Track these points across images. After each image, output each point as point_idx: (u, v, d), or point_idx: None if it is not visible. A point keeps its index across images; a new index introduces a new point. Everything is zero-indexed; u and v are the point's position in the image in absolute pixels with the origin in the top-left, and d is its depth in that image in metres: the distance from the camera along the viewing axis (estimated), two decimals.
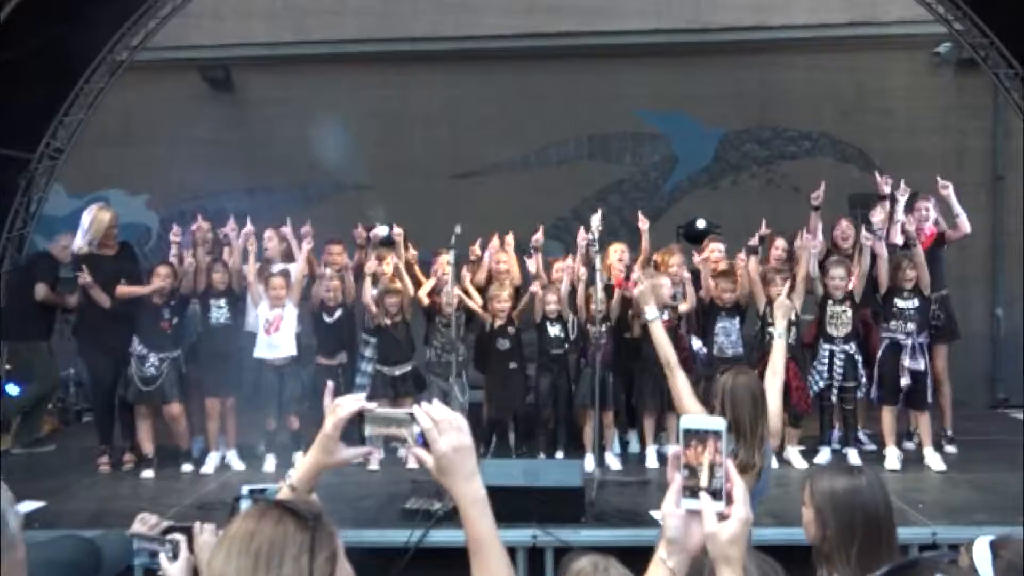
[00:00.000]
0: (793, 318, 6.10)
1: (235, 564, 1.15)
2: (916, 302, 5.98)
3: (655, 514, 3.81)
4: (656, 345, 3.28)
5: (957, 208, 6.34)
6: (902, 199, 6.38)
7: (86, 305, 6.28)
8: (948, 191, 6.38)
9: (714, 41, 9.78)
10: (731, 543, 1.20)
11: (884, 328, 6.05)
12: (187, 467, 6.15)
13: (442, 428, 1.38)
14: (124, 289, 6.13)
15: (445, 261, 6.35)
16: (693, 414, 1.24)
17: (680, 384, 3.15)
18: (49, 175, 7.87)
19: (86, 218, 6.20)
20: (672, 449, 1.24)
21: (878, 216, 6.44)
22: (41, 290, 6.77)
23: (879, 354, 6.05)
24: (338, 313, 6.33)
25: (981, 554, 2.19)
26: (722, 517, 1.20)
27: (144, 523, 2.07)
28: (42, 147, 7.66)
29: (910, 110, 9.77)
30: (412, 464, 5.93)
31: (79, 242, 6.16)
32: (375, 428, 1.44)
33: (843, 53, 9.78)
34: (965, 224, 6.32)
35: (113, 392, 6.29)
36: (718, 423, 1.24)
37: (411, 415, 1.41)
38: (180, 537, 1.99)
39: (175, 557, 1.96)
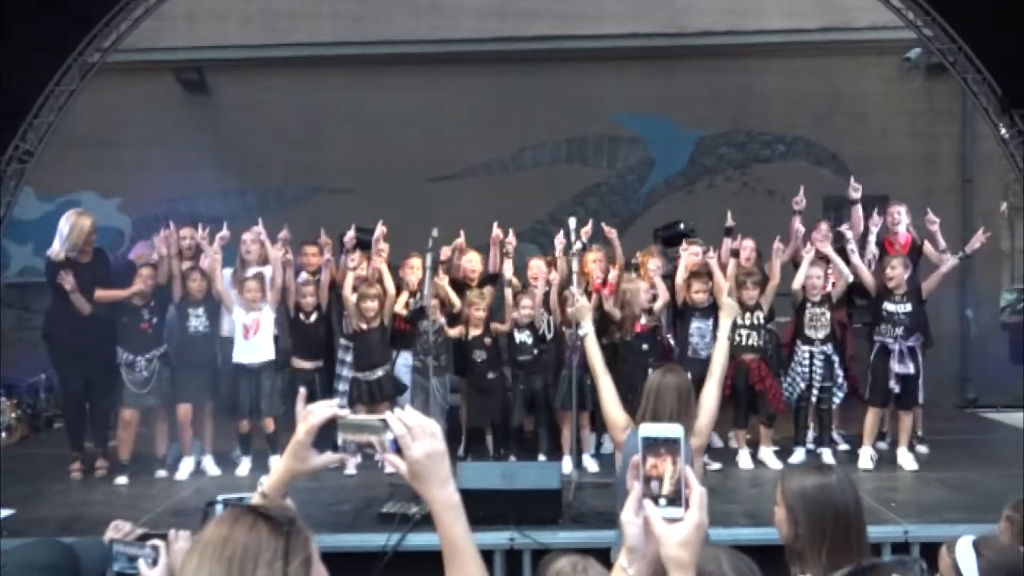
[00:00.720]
0: (762, 320, 6.17)
1: (208, 570, 1.13)
2: (909, 307, 6.00)
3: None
4: (588, 356, 3.51)
5: (942, 244, 6.35)
6: (874, 229, 6.38)
7: (57, 310, 6.19)
8: (935, 227, 6.33)
9: (690, 45, 9.87)
10: (682, 546, 1.19)
11: (876, 331, 6.09)
12: (161, 473, 6.08)
13: (415, 434, 1.37)
14: (104, 293, 6.06)
15: (418, 265, 6.34)
16: (651, 424, 1.26)
17: (606, 392, 3.38)
18: (19, 178, 7.74)
19: (65, 225, 6.07)
20: (632, 458, 1.24)
21: (848, 223, 6.50)
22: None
23: (871, 357, 6.09)
24: (314, 316, 6.29)
25: (964, 554, 2.22)
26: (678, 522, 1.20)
27: (118, 530, 2.04)
28: (11, 150, 7.53)
29: (881, 114, 9.92)
30: (389, 469, 5.91)
31: (56, 248, 6.05)
32: (348, 435, 1.44)
33: (816, 58, 9.91)
34: (950, 260, 6.17)
35: (84, 397, 6.20)
36: (676, 431, 1.24)
37: (383, 421, 1.41)
38: (160, 543, 1.97)
39: (155, 563, 1.94)
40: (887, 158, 9.65)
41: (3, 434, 7.46)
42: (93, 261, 6.23)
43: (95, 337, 6.06)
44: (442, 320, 6.20)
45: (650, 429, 1.25)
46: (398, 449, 1.38)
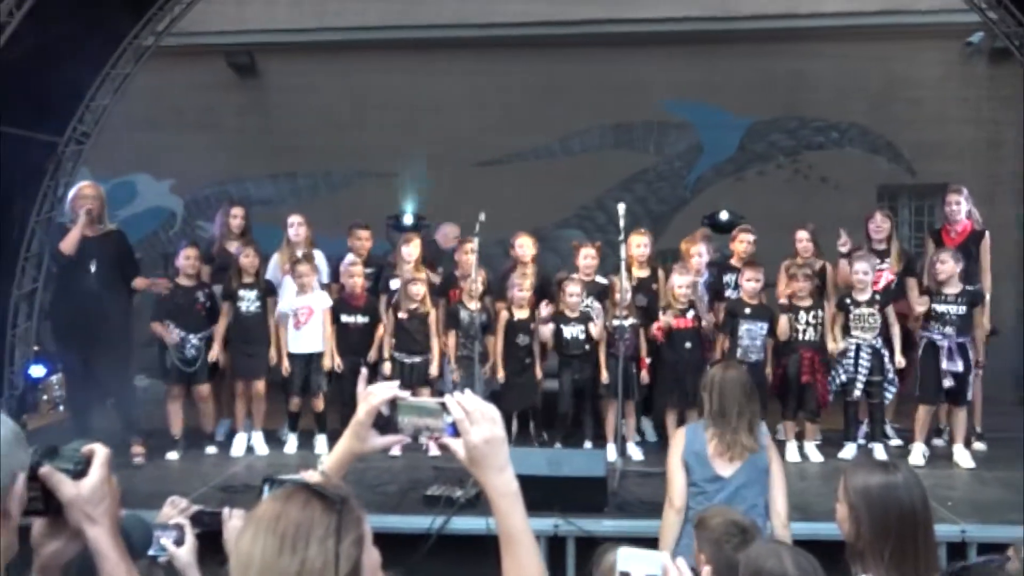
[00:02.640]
0: (820, 318, 5.99)
1: (261, 544, 1.14)
2: (963, 309, 5.80)
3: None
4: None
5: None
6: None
7: (60, 287, 6.04)
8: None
9: (741, 29, 9.66)
10: None
11: (925, 327, 5.92)
12: (211, 450, 6.17)
13: (474, 419, 1.36)
14: (68, 240, 5.81)
15: (469, 249, 6.32)
16: (631, 552, 1.28)
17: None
18: (76, 159, 7.92)
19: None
20: None
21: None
22: None
23: (919, 353, 5.92)
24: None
25: None
26: None
27: (175, 506, 2.07)
28: (69, 131, 7.71)
29: (941, 100, 9.60)
30: (434, 451, 5.94)
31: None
32: (407, 417, 1.43)
33: (873, 42, 9.62)
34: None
35: (85, 376, 6.02)
36: (655, 565, 1.26)
37: (443, 405, 1.39)
38: (184, 522, 1.99)
39: (180, 543, 1.96)
40: (946, 146, 9.35)
41: (61, 407, 7.67)
42: (106, 238, 6.02)
43: (102, 317, 5.80)
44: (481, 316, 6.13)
45: (628, 562, 1.27)
46: (456, 433, 1.36)
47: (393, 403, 1.45)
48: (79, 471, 1.31)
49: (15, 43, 6.22)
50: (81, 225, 5.74)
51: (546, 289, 6.53)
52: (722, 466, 3.39)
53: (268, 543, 1.14)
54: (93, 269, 5.82)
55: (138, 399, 6.40)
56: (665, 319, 5.98)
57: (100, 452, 1.35)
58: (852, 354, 5.93)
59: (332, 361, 6.14)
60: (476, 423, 1.35)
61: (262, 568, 1.13)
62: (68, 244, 5.76)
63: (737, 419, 3.36)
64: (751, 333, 5.93)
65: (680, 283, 5.97)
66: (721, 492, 3.34)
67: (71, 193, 5.99)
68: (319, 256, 6.50)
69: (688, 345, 5.96)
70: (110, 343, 5.85)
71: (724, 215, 7.14)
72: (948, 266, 5.80)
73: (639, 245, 6.34)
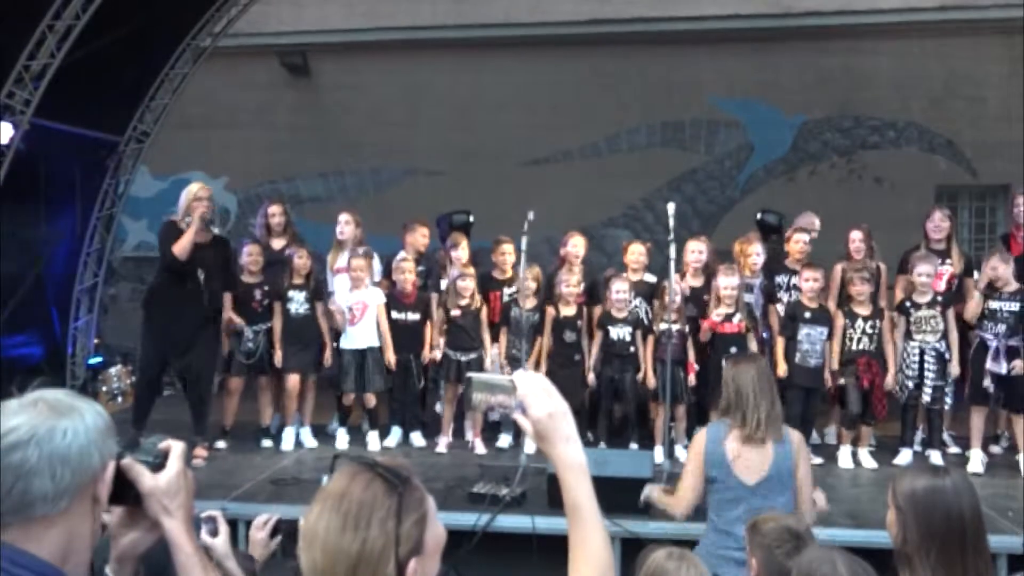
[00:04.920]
0: (878, 327, 5.83)
1: (325, 521, 1.19)
2: (1016, 306, 5.60)
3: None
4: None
5: None
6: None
7: (162, 284, 5.98)
8: None
9: (795, 26, 9.50)
10: None
11: (979, 326, 5.74)
12: (267, 443, 6.24)
13: (537, 393, 1.39)
14: (182, 244, 5.62)
15: (510, 250, 6.30)
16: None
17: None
18: (136, 157, 8.16)
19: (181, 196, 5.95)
20: None
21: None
22: None
23: (971, 352, 5.75)
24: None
25: None
26: None
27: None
28: (130, 130, 7.95)
29: (1005, 98, 9.29)
30: (479, 449, 5.97)
31: (177, 216, 5.86)
32: (480, 394, 1.46)
33: (933, 38, 9.39)
34: None
35: (157, 378, 6.18)
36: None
37: (513, 382, 1.42)
38: (217, 513, 2.09)
39: (215, 533, 2.04)
40: (1010, 145, 9.04)
41: (119, 399, 7.91)
42: (214, 246, 5.93)
43: (202, 326, 5.82)
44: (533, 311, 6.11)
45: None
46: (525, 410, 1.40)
47: (468, 381, 1.48)
48: (157, 464, 1.37)
49: (80, 45, 6.43)
50: (195, 230, 5.65)
51: (594, 289, 6.50)
52: (746, 472, 3.28)
53: (332, 521, 1.18)
54: (202, 279, 5.75)
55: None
56: (712, 320, 5.88)
57: (177, 447, 1.40)
58: (916, 359, 5.77)
59: (392, 357, 6.18)
60: (539, 398, 1.38)
61: (324, 544, 1.17)
62: (182, 249, 5.64)
63: (753, 410, 3.28)
64: (810, 338, 5.77)
65: (726, 284, 5.85)
66: (744, 501, 3.21)
67: (185, 192, 5.84)
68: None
69: (733, 350, 5.85)
70: (201, 352, 5.85)
71: (766, 216, 6.98)
72: (1000, 271, 5.63)
73: (693, 251, 6.15)
